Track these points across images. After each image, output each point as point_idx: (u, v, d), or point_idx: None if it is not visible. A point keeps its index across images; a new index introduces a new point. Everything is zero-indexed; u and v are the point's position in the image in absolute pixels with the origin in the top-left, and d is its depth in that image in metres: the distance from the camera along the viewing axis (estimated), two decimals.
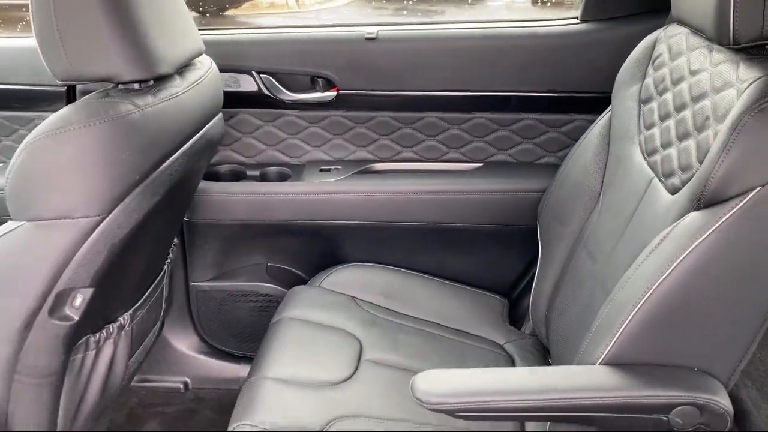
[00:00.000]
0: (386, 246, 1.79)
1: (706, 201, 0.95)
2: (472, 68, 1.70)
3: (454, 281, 1.74)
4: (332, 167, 1.80)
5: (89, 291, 1.10)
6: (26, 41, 2.00)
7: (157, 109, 1.12)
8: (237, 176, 1.84)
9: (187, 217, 1.77)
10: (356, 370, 1.39)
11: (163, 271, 1.54)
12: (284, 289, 1.78)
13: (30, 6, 1.05)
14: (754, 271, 0.93)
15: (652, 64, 1.31)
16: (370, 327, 1.53)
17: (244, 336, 1.92)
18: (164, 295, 1.60)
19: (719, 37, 1.01)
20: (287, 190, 1.76)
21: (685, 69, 1.17)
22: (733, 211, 0.92)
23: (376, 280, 1.69)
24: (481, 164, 1.79)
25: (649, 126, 1.26)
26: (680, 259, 0.94)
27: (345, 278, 1.69)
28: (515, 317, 1.70)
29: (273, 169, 1.83)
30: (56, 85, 1.78)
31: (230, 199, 1.77)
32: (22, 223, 1.03)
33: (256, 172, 1.83)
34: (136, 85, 1.12)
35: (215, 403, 1.95)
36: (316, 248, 1.85)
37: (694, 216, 0.97)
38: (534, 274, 1.51)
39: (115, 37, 1.05)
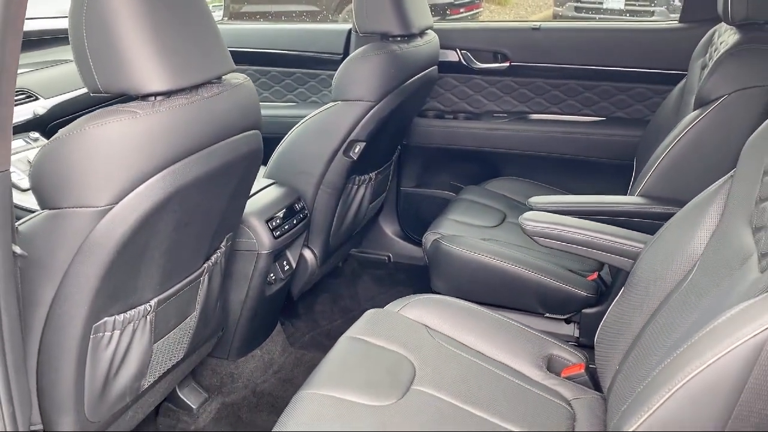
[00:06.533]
0: (531, 167, 2.65)
1: None
2: (602, 50, 2.53)
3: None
4: (501, 115, 2.70)
5: (363, 144, 2.09)
6: (313, 26, 3.13)
7: (407, 51, 2.11)
8: (438, 117, 2.80)
9: (404, 141, 2.75)
10: (501, 223, 2.27)
11: (392, 160, 2.53)
12: None
13: None
14: None
15: (710, 45, 2.07)
16: (512, 210, 2.39)
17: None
18: (388, 179, 2.59)
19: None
20: (470, 125, 2.69)
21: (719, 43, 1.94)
22: None
23: (521, 187, 2.55)
24: (604, 118, 2.59)
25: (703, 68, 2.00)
26: None
27: (500, 185, 2.57)
28: None
29: (462, 114, 2.77)
30: (333, 53, 2.86)
31: (432, 130, 2.74)
32: (338, 102, 2.05)
33: (451, 116, 2.78)
34: (399, 38, 2.12)
35: (407, 272, 2.89)
36: (483, 170, 2.75)
37: None
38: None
39: (393, 11, 2.05)
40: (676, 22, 2.47)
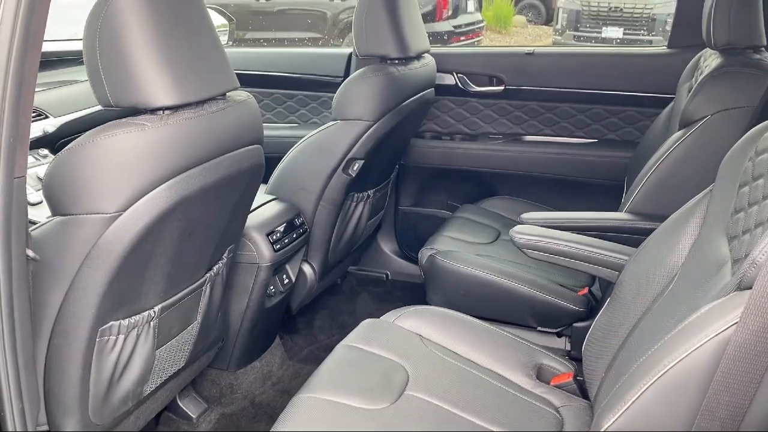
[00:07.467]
0: (525, 187, 2.72)
1: None
2: (594, 74, 2.61)
3: None
4: (496, 136, 2.78)
5: (361, 161, 2.16)
6: (315, 50, 3.22)
7: (405, 73, 2.20)
8: (435, 138, 2.87)
9: (402, 161, 2.83)
10: (495, 240, 2.33)
11: (390, 179, 2.60)
12: None
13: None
14: None
15: (696, 69, 2.15)
16: (506, 227, 2.45)
17: None
18: (386, 197, 2.66)
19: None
20: (466, 146, 2.77)
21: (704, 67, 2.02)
22: None
23: (515, 206, 2.61)
24: (596, 140, 2.67)
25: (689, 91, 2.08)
26: None
27: (495, 204, 2.64)
28: None
29: (458, 135, 2.85)
30: (334, 76, 2.95)
31: (430, 151, 2.81)
32: (337, 121, 2.13)
33: (448, 137, 2.86)
34: (397, 61, 2.20)
35: (405, 290, 2.94)
36: (478, 190, 2.82)
37: None
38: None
39: (392, 35, 2.13)
40: (664, 47, 2.56)
